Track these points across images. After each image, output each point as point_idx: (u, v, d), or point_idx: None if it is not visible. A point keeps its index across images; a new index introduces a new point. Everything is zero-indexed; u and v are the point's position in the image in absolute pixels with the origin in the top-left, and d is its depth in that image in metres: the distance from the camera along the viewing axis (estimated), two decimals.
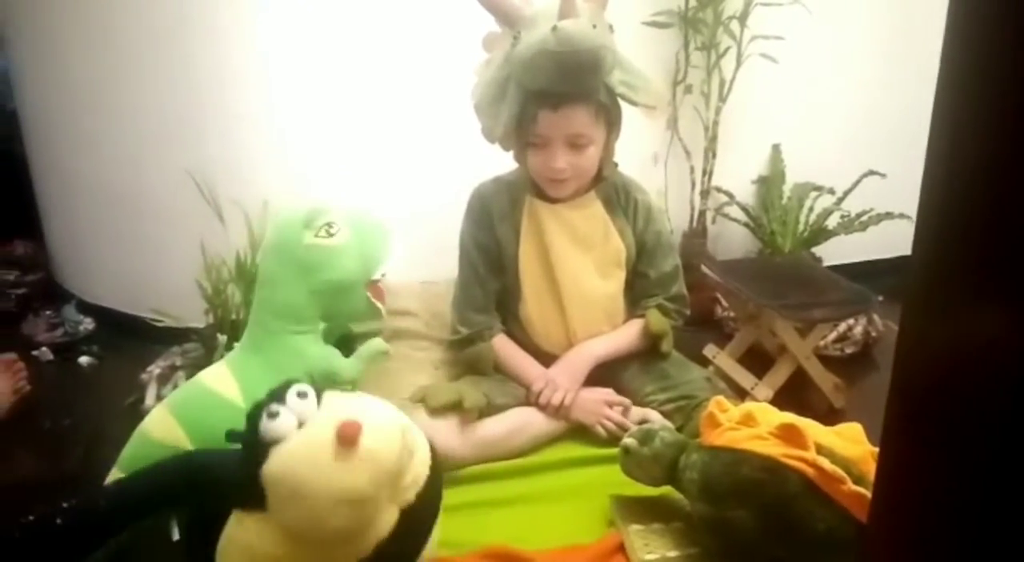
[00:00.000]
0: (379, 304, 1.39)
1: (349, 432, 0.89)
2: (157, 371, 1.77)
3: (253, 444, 0.91)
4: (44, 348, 2.08)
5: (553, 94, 1.37)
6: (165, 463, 0.99)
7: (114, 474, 1.22)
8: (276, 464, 0.89)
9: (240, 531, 0.92)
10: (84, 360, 2.04)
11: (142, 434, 1.24)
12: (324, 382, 1.26)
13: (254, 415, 0.92)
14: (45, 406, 1.79)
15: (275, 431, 0.90)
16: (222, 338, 1.64)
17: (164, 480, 0.97)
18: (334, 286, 1.30)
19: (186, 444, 1.18)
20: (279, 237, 1.31)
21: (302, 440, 0.91)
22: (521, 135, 1.46)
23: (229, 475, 0.93)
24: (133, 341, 2.02)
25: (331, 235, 1.27)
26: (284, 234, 1.30)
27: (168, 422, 1.23)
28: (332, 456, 0.89)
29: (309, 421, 0.92)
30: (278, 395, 0.94)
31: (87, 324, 2.17)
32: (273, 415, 0.90)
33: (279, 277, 1.29)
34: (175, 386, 1.69)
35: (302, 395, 0.94)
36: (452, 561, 1.17)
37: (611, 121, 1.47)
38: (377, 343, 1.40)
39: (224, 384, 1.26)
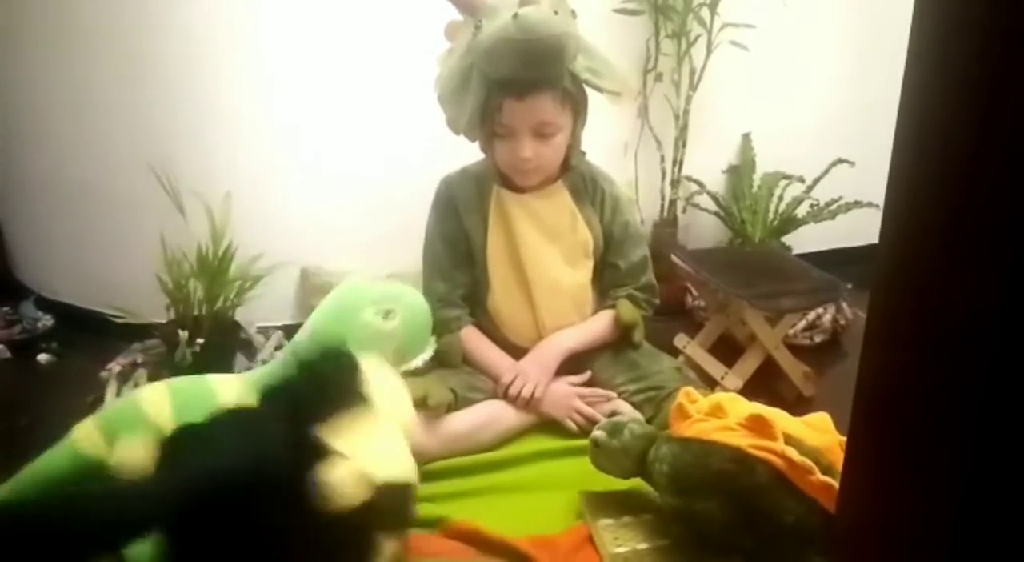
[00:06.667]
0: None
1: None
2: (117, 369, 1.73)
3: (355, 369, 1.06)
4: (1, 346, 2.02)
5: (517, 83, 1.36)
6: None
7: (88, 425, 1.18)
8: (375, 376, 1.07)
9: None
10: (43, 358, 1.99)
11: (134, 402, 1.22)
12: None
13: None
14: (2, 405, 1.74)
15: None
16: (183, 334, 1.60)
17: None
18: None
19: (167, 424, 1.16)
20: (343, 302, 1.36)
21: None
22: (486, 125, 1.44)
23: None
24: (93, 338, 1.97)
25: (386, 320, 1.34)
26: (349, 302, 1.36)
27: (163, 399, 1.21)
28: None
29: None
30: None
31: (46, 321, 2.11)
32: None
33: (326, 331, 1.35)
34: (136, 384, 1.65)
35: None
36: (419, 538, 1.17)
37: (577, 109, 1.45)
38: None
39: (227, 390, 1.26)
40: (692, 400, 1.18)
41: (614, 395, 1.52)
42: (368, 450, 1.01)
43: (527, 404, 1.48)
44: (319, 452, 0.97)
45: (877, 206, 1.97)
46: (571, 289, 1.56)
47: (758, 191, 2.26)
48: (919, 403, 0.64)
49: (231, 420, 1.04)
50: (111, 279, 2.01)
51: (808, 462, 1.03)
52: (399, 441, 1.07)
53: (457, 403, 1.44)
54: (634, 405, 1.48)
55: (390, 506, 1.00)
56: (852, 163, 2.18)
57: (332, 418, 1.01)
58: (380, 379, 1.14)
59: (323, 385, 1.05)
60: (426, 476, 1.35)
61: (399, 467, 1.04)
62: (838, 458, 1.04)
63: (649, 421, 1.39)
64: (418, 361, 1.42)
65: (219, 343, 1.70)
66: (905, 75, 0.61)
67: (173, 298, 1.67)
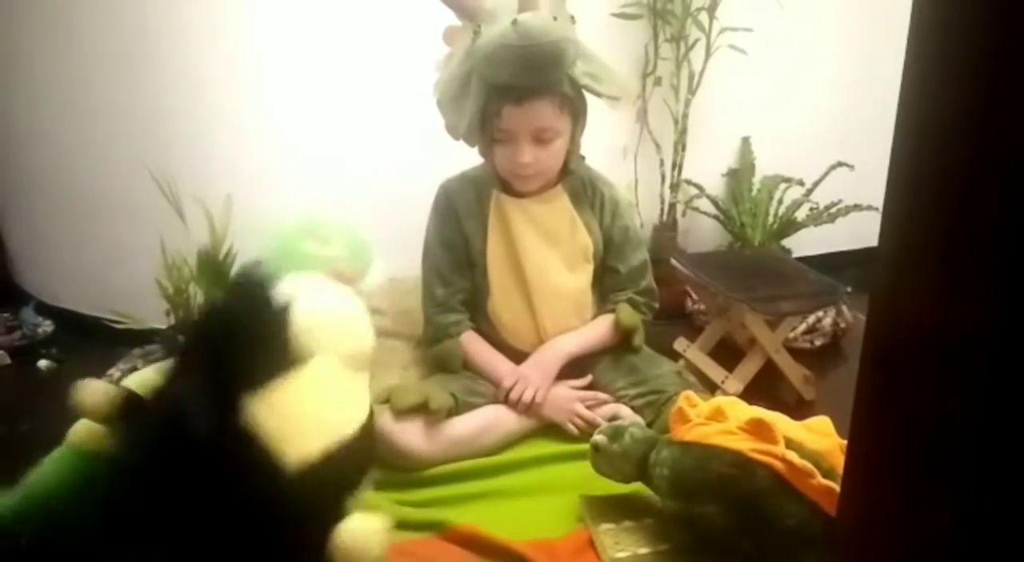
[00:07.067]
0: None
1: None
2: (118, 374, 1.73)
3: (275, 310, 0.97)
4: (1, 352, 2.02)
5: (516, 88, 1.36)
6: None
7: (83, 424, 1.18)
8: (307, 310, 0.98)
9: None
10: (43, 364, 1.98)
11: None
12: None
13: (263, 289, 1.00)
14: (3, 411, 1.74)
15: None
16: (183, 339, 1.60)
17: None
18: None
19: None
20: (279, 241, 1.33)
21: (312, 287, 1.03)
22: (486, 130, 1.44)
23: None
24: (94, 343, 1.97)
25: (327, 245, 1.32)
26: (285, 239, 1.33)
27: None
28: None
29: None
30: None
31: (46, 326, 2.11)
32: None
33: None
34: None
35: None
36: (420, 542, 1.18)
37: (576, 114, 1.45)
38: None
39: None
40: (692, 404, 1.18)
41: (610, 398, 1.52)
42: (303, 417, 0.92)
43: (528, 408, 1.48)
44: (247, 433, 0.86)
45: (876, 209, 1.96)
46: (571, 293, 1.56)
47: (757, 194, 2.26)
48: (920, 405, 0.64)
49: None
50: (111, 284, 2.01)
51: (809, 466, 1.03)
52: (341, 388, 0.99)
53: (458, 408, 1.44)
54: (634, 409, 1.47)
55: (344, 465, 0.93)
56: (851, 166, 2.18)
57: (260, 384, 0.89)
58: (320, 300, 1.05)
59: (242, 331, 0.94)
60: (427, 481, 1.36)
61: (339, 428, 0.95)
62: (839, 462, 1.04)
63: (649, 425, 1.39)
64: (370, 282, 1.36)
65: None
66: (903, 78, 0.61)
67: (173, 303, 1.67)
